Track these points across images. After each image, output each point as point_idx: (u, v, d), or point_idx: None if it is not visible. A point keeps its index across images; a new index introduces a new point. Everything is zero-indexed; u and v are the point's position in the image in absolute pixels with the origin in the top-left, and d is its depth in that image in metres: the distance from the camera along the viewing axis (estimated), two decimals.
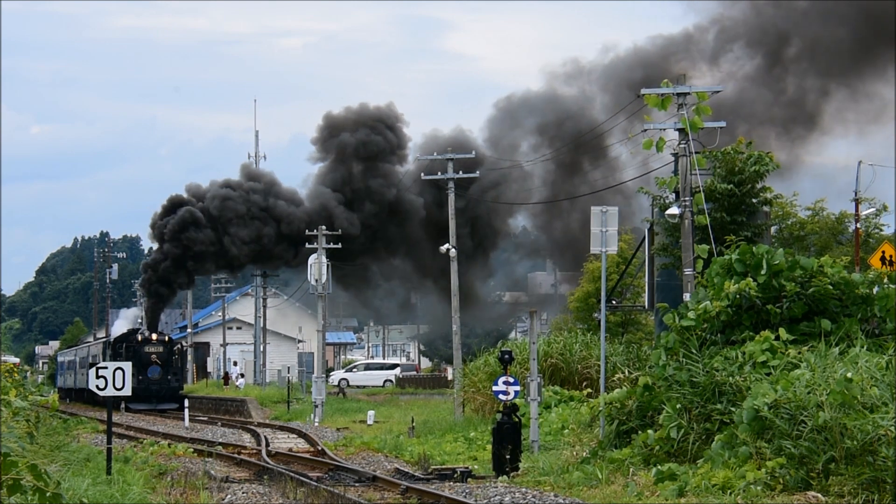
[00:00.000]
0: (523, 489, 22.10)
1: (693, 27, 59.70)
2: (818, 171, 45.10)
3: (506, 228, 72.85)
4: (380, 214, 67.23)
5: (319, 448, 34.15)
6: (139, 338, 69.09)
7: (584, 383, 37.59)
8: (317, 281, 56.77)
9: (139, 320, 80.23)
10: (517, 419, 26.51)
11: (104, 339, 78.95)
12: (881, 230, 48.98)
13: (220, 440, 38.05)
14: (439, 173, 53.58)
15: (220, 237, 65.77)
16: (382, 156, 65.95)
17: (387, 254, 70.11)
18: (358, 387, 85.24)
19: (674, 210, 33.19)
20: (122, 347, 68.28)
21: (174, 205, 66.88)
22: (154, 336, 69.28)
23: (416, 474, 26.54)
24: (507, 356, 27.86)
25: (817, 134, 55.33)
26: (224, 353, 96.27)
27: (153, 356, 68.17)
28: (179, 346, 73.50)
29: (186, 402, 55.21)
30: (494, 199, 64.54)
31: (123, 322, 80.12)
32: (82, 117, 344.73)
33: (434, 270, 66.55)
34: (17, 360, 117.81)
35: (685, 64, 54.95)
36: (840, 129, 57.19)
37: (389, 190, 66.61)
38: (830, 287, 23.02)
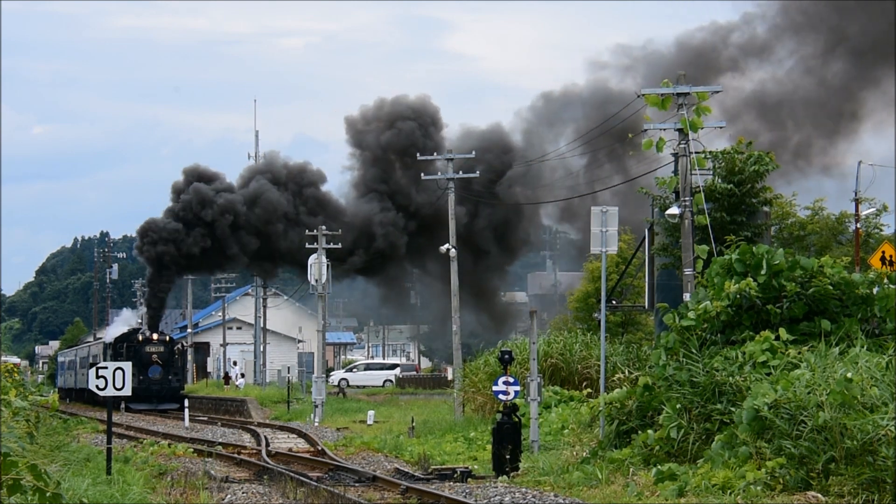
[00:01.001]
0: (523, 489, 22.10)
1: (741, 18, 59.44)
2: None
3: (537, 231, 72.61)
4: (416, 220, 66.98)
5: (319, 448, 34.15)
6: (140, 337, 68.85)
7: (584, 383, 37.59)
8: (317, 281, 56.78)
9: (139, 320, 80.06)
10: (517, 419, 26.50)
11: (102, 340, 78.83)
12: (881, 230, 48.97)
13: (220, 440, 38.05)
14: (439, 173, 53.57)
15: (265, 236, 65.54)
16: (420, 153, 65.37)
17: (418, 259, 69.79)
18: (358, 387, 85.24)
19: (674, 210, 33.19)
20: (123, 347, 68.11)
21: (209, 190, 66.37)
22: (155, 336, 69.05)
23: (416, 474, 26.54)
24: (507, 356, 27.86)
25: (856, 133, 55.05)
26: (224, 353, 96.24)
27: (154, 356, 67.98)
28: (180, 345, 73.38)
29: (186, 402, 55.15)
30: (521, 198, 63.90)
31: (119, 325, 79.99)
32: (83, 117, 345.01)
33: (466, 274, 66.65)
34: (25, 361, 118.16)
35: (731, 52, 54.70)
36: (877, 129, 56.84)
37: (430, 196, 66.12)
38: (830, 287, 23.02)
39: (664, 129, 31.35)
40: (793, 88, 55.53)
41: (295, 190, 67.25)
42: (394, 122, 66.97)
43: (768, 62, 57.57)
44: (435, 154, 57.10)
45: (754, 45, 58.04)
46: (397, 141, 66.00)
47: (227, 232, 65.25)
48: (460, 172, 52.92)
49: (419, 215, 66.57)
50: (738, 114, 53.68)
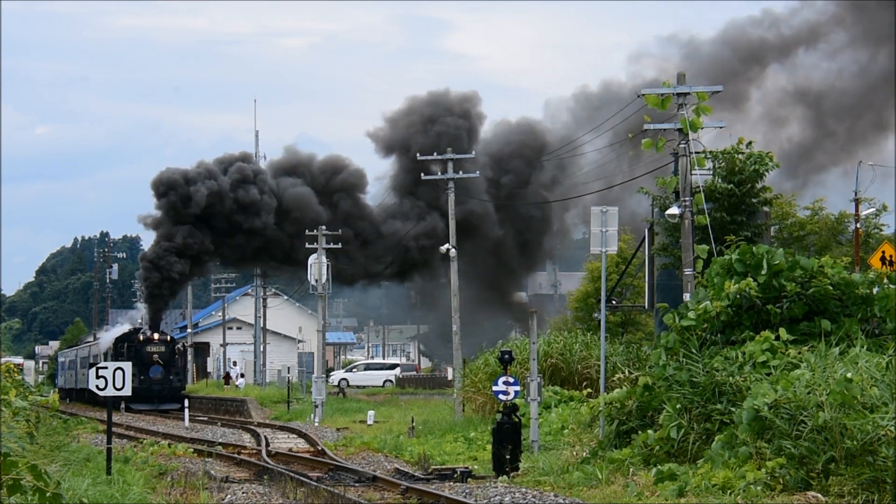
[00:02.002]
0: (523, 489, 22.10)
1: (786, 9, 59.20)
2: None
3: (564, 237, 72.48)
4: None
5: (319, 448, 34.15)
6: (140, 337, 68.58)
7: (584, 383, 37.58)
8: (317, 281, 56.77)
9: (139, 320, 79.95)
10: (517, 419, 26.50)
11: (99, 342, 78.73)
12: (881, 230, 48.96)
13: (220, 440, 38.04)
14: (439, 173, 53.53)
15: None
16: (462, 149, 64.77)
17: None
18: (358, 387, 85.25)
19: (674, 210, 33.20)
20: (124, 347, 67.91)
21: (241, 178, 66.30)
22: (156, 336, 68.75)
23: (416, 474, 26.53)
24: (507, 356, 27.85)
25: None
26: (224, 353, 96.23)
27: (155, 356, 67.70)
28: (181, 345, 73.19)
29: (187, 402, 55.05)
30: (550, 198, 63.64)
31: (118, 328, 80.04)
32: (84, 117, 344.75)
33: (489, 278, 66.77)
34: (31, 361, 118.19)
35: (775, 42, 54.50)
36: None
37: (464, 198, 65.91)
38: (830, 287, 23.02)
39: (664, 129, 31.33)
40: (836, 83, 55.28)
41: (326, 197, 66.85)
42: (433, 122, 66.60)
43: (814, 54, 57.30)
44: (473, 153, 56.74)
45: (803, 35, 57.70)
46: (436, 140, 65.56)
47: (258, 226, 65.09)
48: (484, 171, 52.27)
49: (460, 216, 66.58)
50: (785, 105, 53.56)
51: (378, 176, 68.98)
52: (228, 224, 65.81)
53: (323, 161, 70.54)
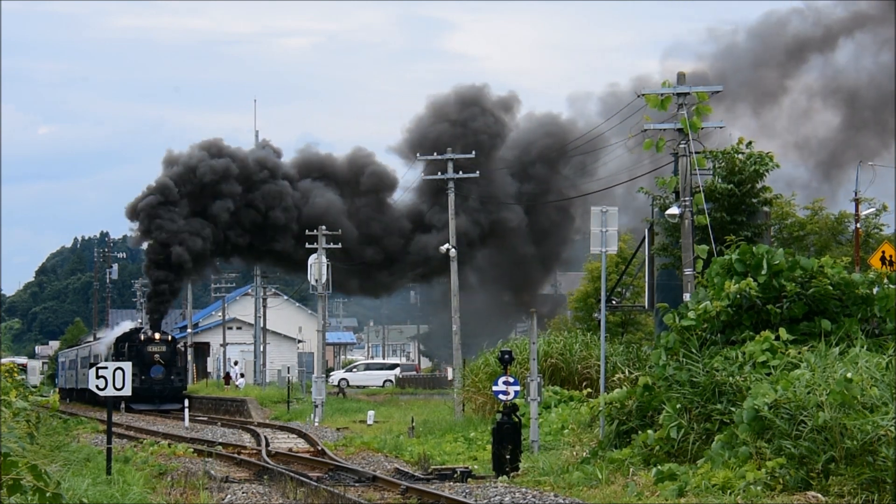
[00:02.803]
0: (523, 489, 22.10)
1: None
2: None
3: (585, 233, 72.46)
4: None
5: (319, 448, 34.15)
6: (141, 337, 68.28)
7: (584, 383, 37.58)
8: (317, 281, 56.72)
9: (139, 320, 79.92)
10: (517, 419, 26.50)
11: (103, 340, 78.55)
12: (881, 230, 48.95)
13: (220, 440, 38.04)
14: (438, 173, 53.46)
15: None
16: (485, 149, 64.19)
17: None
18: (358, 387, 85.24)
19: (674, 210, 33.21)
20: (125, 347, 67.67)
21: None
22: (157, 335, 68.44)
23: (416, 474, 26.54)
24: (507, 356, 27.85)
25: None
26: (224, 353, 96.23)
27: (156, 356, 67.40)
28: (182, 345, 72.93)
29: (187, 402, 54.95)
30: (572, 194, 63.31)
31: (120, 327, 79.94)
32: (85, 118, 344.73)
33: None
34: (36, 361, 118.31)
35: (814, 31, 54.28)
36: None
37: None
38: (830, 287, 23.02)
39: (666, 129, 31.33)
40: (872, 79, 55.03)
41: (350, 201, 66.63)
42: (465, 122, 66.36)
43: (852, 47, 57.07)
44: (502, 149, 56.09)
45: (845, 26, 57.40)
46: (473, 140, 65.25)
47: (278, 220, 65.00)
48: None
49: (485, 222, 66.50)
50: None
51: (406, 186, 68.40)
52: (247, 211, 65.38)
53: (348, 161, 70.03)
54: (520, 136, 67.75)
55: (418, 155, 56.14)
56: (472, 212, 66.00)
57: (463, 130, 65.70)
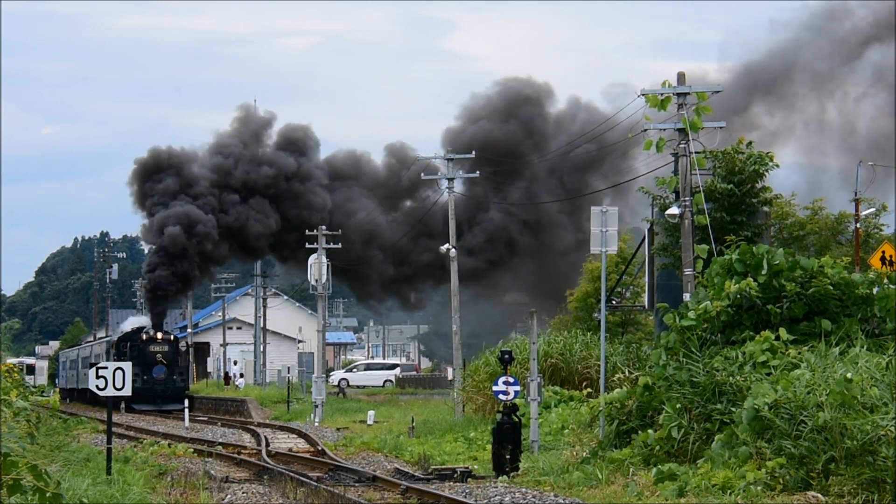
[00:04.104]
0: (523, 489, 22.10)
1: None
2: None
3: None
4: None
5: (319, 448, 34.16)
6: (143, 337, 67.84)
7: (584, 383, 37.58)
8: (317, 281, 56.72)
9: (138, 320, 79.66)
10: (517, 419, 26.51)
11: (108, 339, 78.15)
12: (881, 230, 48.93)
13: (220, 440, 38.05)
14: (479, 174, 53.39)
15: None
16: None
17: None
18: (358, 387, 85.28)
19: (674, 210, 33.21)
20: (127, 347, 67.34)
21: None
22: (159, 335, 67.97)
23: (416, 474, 26.54)
24: (507, 356, 27.86)
25: None
26: (224, 353, 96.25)
27: (158, 356, 66.99)
28: (185, 345, 72.57)
29: (187, 402, 54.85)
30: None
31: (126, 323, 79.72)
32: (86, 118, 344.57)
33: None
34: (43, 361, 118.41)
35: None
36: None
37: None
38: (831, 287, 23.03)
39: (662, 129, 31.33)
40: None
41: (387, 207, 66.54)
42: (513, 115, 66.17)
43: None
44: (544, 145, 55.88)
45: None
46: (525, 131, 64.91)
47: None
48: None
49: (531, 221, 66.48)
50: None
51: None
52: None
53: (386, 164, 69.77)
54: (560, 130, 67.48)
55: (417, 156, 56.16)
56: (507, 211, 66.02)
57: (518, 126, 65.57)
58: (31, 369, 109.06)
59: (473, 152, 55.60)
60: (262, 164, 66.52)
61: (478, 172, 55.83)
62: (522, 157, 64.25)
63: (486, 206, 65.69)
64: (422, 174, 56.28)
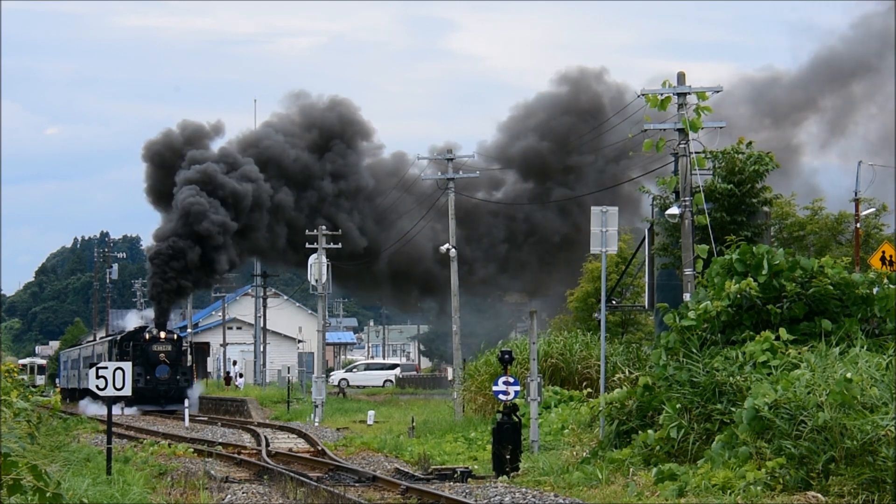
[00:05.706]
0: (523, 489, 22.11)
1: None
2: None
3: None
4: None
5: (319, 448, 34.15)
6: (147, 336, 66.88)
7: (584, 383, 37.57)
8: (317, 281, 56.65)
9: (141, 318, 79.51)
10: (517, 419, 26.51)
11: (110, 338, 77.75)
12: (881, 230, 48.94)
13: (220, 440, 38.05)
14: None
15: None
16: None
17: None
18: (358, 387, 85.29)
19: (674, 210, 33.21)
20: (129, 346, 66.88)
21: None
22: (162, 334, 66.91)
23: (416, 474, 26.54)
24: (507, 356, 27.86)
25: None
26: (224, 353, 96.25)
27: (161, 355, 66.33)
28: (189, 344, 72.07)
29: (187, 403, 54.65)
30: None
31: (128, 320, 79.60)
32: (91, 118, 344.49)
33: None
34: (45, 360, 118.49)
35: None
36: None
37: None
38: (831, 287, 23.03)
39: (662, 129, 31.35)
40: None
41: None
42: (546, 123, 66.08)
43: None
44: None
45: None
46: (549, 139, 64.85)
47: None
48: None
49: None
50: None
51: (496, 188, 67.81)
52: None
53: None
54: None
55: (418, 155, 56.09)
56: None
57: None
58: (41, 369, 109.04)
59: (474, 154, 55.55)
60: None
61: (477, 172, 55.79)
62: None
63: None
64: (421, 175, 56.23)
